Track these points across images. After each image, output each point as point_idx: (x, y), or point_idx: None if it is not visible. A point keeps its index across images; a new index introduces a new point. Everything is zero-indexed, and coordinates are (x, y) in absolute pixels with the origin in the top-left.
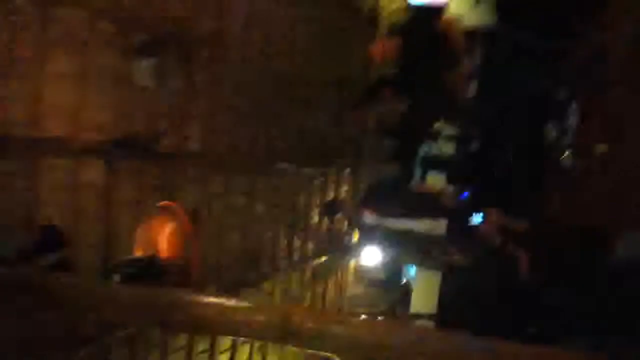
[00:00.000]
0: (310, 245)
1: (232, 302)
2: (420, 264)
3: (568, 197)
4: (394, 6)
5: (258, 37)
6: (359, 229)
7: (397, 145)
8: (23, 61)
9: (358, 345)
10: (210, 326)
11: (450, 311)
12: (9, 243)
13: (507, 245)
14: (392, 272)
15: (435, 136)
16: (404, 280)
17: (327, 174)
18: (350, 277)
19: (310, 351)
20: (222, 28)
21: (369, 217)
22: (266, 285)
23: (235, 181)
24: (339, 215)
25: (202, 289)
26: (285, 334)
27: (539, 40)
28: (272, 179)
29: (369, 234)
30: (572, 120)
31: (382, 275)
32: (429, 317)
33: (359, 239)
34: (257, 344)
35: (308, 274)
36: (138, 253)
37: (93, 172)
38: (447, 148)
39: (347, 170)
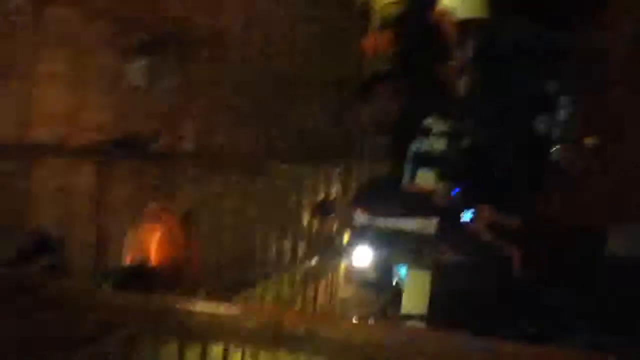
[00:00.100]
0: (301, 247)
1: (222, 309)
2: (411, 264)
3: (565, 194)
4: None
5: (257, 37)
6: (349, 229)
7: (390, 143)
8: (19, 62)
9: (350, 347)
10: (201, 333)
11: (441, 311)
12: (8, 244)
13: (499, 242)
14: (383, 272)
15: (426, 133)
16: (395, 281)
17: (317, 174)
18: (341, 279)
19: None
20: (221, 28)
21: (360, 217)
22: (257, 289)
23: (231, 181)
24: (330, 216)
25: (193, 293)
26: (276, 338)
27: (534, 33)
28: (268, 179)
29: (360, 234)
30: (562, 113)
31: (373, 276)
32: (420, 317)
33: (350, 239)
34: (249, 349)
35: (299, 276)
36: (128, 259)
37: (86, 174)
38: (438, 145)
39: (338, 169)
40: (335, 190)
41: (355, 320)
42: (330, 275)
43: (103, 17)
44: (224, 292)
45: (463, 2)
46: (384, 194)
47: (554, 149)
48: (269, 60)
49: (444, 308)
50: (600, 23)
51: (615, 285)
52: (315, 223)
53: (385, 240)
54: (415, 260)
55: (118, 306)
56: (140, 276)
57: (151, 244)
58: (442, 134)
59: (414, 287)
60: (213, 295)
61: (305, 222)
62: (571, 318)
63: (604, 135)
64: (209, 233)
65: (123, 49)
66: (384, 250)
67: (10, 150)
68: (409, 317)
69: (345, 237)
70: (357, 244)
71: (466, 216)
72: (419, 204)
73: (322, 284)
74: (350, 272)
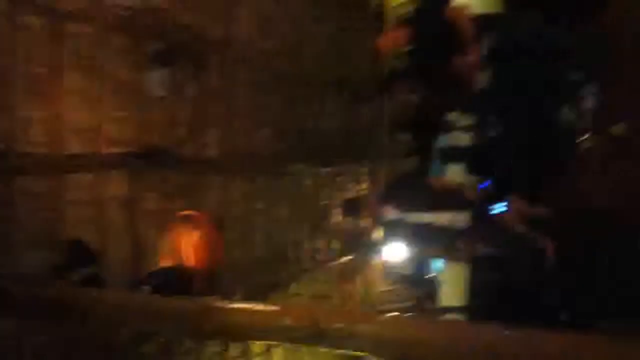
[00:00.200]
0: (335, 245)
1: (260, 307)
2: (445, 257)
3: (592, 181)
4: None
5: (270, 41)
6: (382, 225)
7: (413, 140)
8: (39, 78)
9: (388, 342)
10: (241, 332)
11: (479, 303)
12: (47, 256)
13: (533, 233)
14: (418, 266)
15: (450, 127)
16: (431, 274)
17: (346, 173)
18: (377, 274)
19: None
20: (234, 33)
21: (391, 213)
22: (293, 287)
23: (256, 184)
24: (361, 213)
25: (229, 295)
26: (314, 335)
27: (551, 26)
28: (292, 180)
29: (393, 230)
30: (588, 102)
31: (408, 271)
32: (458, 309)
33: (383, 235)
34: (290, 346)
35: (334, 273)
36: (164, 263)
37: (117, 185)
38: (463, 139)
39: (367, 167)
40: (364, 187)
41: (392, 315)
42: (365, 271)
43: (118, 31)
44: (259, 292)
45: None
46: (414, 190)
47: (581, 138)
48: (284, 63)
49: (482, 300)
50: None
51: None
52: (348, 220)
53: (418, 235)
54: (449, 253)
55: (157, 310)
56: (177, 279)
57: (185, 247)
58: (466, 128)
59: (450, 279)
60: (249, 295)
61: (337, 219)
62: (606, 306)
63: (631, 124)
64: (240, 235)
65: (140, 61)
66: (418, 245)
67: (41, 165)
68: (447, 309)
69: (379, 233)
70: (390, 240)
71: (498, 209)
72: (449, 198)
73: (358, 280)
74: (386, 267)
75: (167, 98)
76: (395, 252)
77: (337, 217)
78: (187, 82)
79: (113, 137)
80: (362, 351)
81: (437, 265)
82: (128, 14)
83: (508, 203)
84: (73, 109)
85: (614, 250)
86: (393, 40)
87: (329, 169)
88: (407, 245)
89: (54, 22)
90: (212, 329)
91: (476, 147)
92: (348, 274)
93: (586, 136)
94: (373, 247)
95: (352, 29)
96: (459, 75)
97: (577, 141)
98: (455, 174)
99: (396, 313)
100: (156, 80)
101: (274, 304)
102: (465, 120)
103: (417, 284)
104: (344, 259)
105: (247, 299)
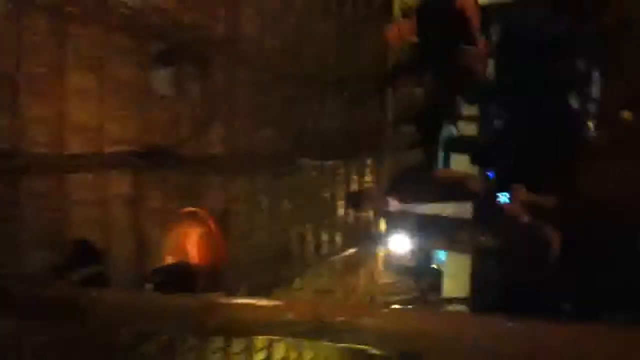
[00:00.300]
0: (338, 238)
1: (263, 302)
2: (449, 249)
3: (597, 169)
4: None
5: (274, 39)
6: (385, 217)
7: (418, 131)
8: (42, 79)
9: (391, 336)
10: (244, 328)
11: (483, 293)
12: (43, 260)
13: (537, 223)
14: (422, 258)
15: (455, 118)
16: (434, 266)
17: (349, 166)
18: (380, 267)
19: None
20: (236, 31)
21: (395, 205)
22: (297, 282)
23: (259, 180)
24: (364, 206)
25: (233, 291)
26: (317, 329)
27: (558, 15)
28: (295, 175)
29: (397, 222)
30: (595, 90)
31: (412, 262)
32: (462, 301)
33: (387, 227)
34: (292, 341)
35: (338, 266)
36: (168, 260)
37: (120, 184)
38: (468, 130)
39: (370, 160)
40: (368, 180)
41: (396, 307)
42: (369, 263)
43: (121, 30)
44: (263, 288)
45: None
46: (417, 182)
47: (589, 124)
48: (286, 61)
49: (485, 291)
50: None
51: None
52: (351, 214)
53: (422, 226)
54: (453, 245)
55: (159, 308)
56: (181, 276)
57: (189, 245)
58: (472, 119)
59: (453, 271)
60: (253, 291)
61: (341, 213)
62: (611, 296)
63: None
64: (243, 232)
65: (143, 60)
66: (422, 236)
67: (45, 165)
68: (450, 300)
69: (383, 225)
70: (394, 232)
71: (502, 199)
72: (453, 190)
73: (362, 273)
74: (389, 259)
75: (169, 97)
76: (399, 245)
77: (340, 210)
78: (189, 82)
79: (116, 137)
80: (365, 345)
81: (441, 257)
82: (130, 14)
83: (512, 193)
84: (76, 109)
85: (617, 243)
86: (401, 32)
87: (331, 162)
88: (411, 237)
89: (57, 22)
90: (215, 326)
91: (481, 138)
92: (351, 267)
93: (591, 125)
94: (377, 239)
95: (357, 21)
96: (467, 65)
97: (583, 130)
98: (460, 165)
99: (399, 306)
100: (159, 79)
101: (276, 299)
102: (470, 111)
103: (420, 276)
104: (348, 252)
105: (250, 295)
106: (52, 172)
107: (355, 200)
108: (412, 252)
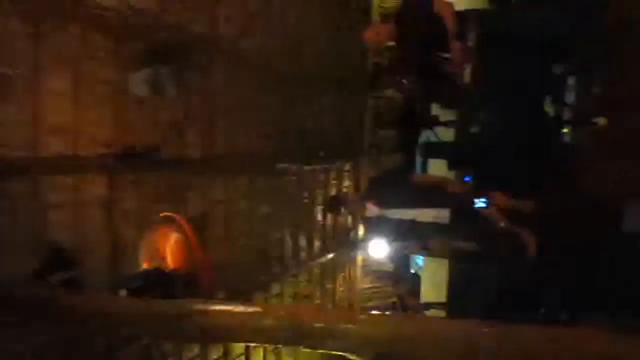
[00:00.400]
0: (317, 243)
1: (241, 308)
2: (427, 254)
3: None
4: None
5: (255, 40)
6: (364, 222)
7: (396, 136)
8: (17, 80)
9: (369, 341)
10: (222, 334)
11: (460, 298)
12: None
13: (515, 228)
14: (400, 263)
15: (433, 123)
16: (413, 271)
17: (328, 170)
18: (359, 272)
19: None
20: (216, 32)
21: (373, 210)
22: (275, 286)
23: (237, 184)
24: (343, 211)
25: (210, 296)
26: (295, 335)
27: (536, 19)
28: (274, 179)
29: (375, 227)
30: (571, 95)
31: (390, 268)
32: (440, 306)
33: (365, 232)
34: (270, 347)
35: (316, 271)
36: (144, 265)
37: (96, 187)
38: (447, 134)
39: (348, 165)
40: (346, 185)
41: (375, 312)
42: (347, 268)
43: (101, 31)
44: (241, 293)
45: None
46: (395, 187)
47: (565, 130)
48: (268, 62)
49: (462, 296)
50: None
51: (633, 262)
52: (330, 218)
53: (400, 231)
54: (431, 250)
55: (136, 313)
56: (157, 281)
57: (166, 249)
58: (450, 123)
59: (431, 276)
60: (232, 296)
61: (319, 218)
62: (589, 299)
63: (616, 115)
64: (223, 235)
65: (122, 61)
66: (400, 241)
67: (20, 166)
68: (428, 305)
69: (361, 230)
70: (372, 237)
71: (479, 203)
72: (431, 195)
73: (340, 278)
74: (368, 264)
75: (149, 98)
76: (378, 250)
77: (319, 215)
78: (170, 83)
79: (92, 139)
80: (344, 350)
81: (419, 262)
82: (107, 14)
83: (490, 198)
84: (51, 111)
85: (596, 240)
86: (378, 35)
87: (311, 166)
88: (389, 242)
89: (31, 22)
90: (192, 332)
91: (459, 143)
92: (330, 272)
93: (570, 128)
94: (355, 244)
95: (336, 24)
96: (445, 70)
97: (562, 134)
98: (437, 169)
99: (378, 311)
100: (141, 80)
101: (254, 305)
102: (448, 115)
103: (399, 281)
104: (326, 257)
105: (229, 299)
106: (26, 174)
107: (334, 205)
108: (391, 257)
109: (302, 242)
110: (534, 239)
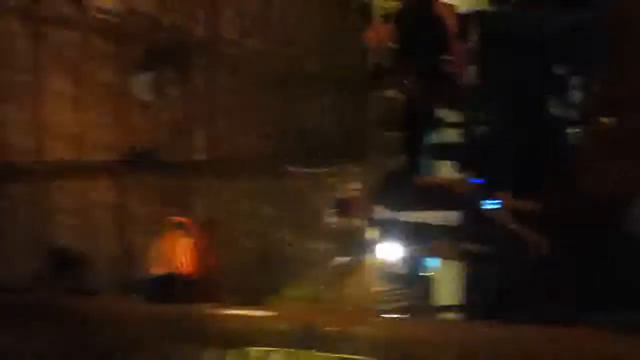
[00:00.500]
0: (327, 245)
1: (256, 312)
2: (439, 256)
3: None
4: None
5: (254, 41)
6: (374, 225)
7: (401, 137)
8: (21, 85)
9: (383, 344)
10: (236, 338)
11: (474, 300)
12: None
13: (522, 228)
14: (412, 266)
15: (439, 124)
16: (425, 273)
17: (336, 173)
18: (371, 275)
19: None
20: (218, 35)
21: (382, 213)
22: (286, 290)
23: (246, 187)
24: (352, 213)
25: (223, 300)
26: (309, 339)
27: (537, 19)
28: (282, 182)
29: (385, 229)
30: (575, 94)
31: (402, 270)
32: (453, 308)
33: (376, 235)
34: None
35: (328, 275)
36: (155, 270)
37: (102, 191)
38: (452, 135)
39: (356, 167)
40: (354, 187)
41: (387, 315)
42: (359, 271)
43: (102, 35)
44: (253, 296)
45: None
46: (402, 189)
47: (569, 130)
48: (268, 63)
49: (476, 298)
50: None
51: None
52: (340, 221)
53: (411, 233)
54: (442, 252)
55: (153, 317)
56: (170, 285)
57: (176, 254)
58: (455, 124)
59: (444, 277)
60: (243, 300)
61: (329, 220)
62: (596, 298)
63: (619, 114)
64: (232, 239)
65: (125, 65)
66: (411, 244)
67: (27, 171)
68: (441, 308)
69: (372, 233)
70: (384, 239)
71: (487, 205)
72: (439, 197)
73: (351, 281)
74: (379, 267)
75: (150, 102)
76: (389, 252)
77: (329, 217)
78: (172, 85)
79: (97, 143)
80: (357, 353)
81: (431, 264)
82: (109, 18)
83: (497, 199)
84: (56, 116)
85: (601, 239)
86: (378, 36)
87: (319, 170)
88: (401, 244)
89: (33, 27)
90: (208, 336)
91: (465, 144)
92: (342, 275)
93: (574, 128)
94: (366, 247)
95: (336, 24)
96: (446, 71)
97: (567, 134)
98: (444, 171)
99: (390, 314)
100: (139, 84)
101: (268, 309)
102: (454, 116)
103: (411, 284)
104: (338, 260)
105: (241, 303)
106: (33, 180)
107: (342, 208)
108: (403, 259)
109: (312, 244)
110: (544, 240)
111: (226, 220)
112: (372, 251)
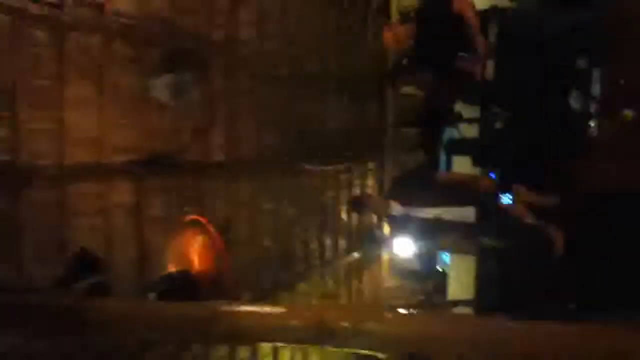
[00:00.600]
0: (342, 242)
1: (267, 309)
2: (453, 251)
3: (598, 166)
4: None
5: (273, 43)
6: (388, 221)
7: (419, 134)
8: (43, 89)
9: (395, 340)
10: (248, 335)
11: (488, 295)
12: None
13: (541, 224)
14: (426, 261)
15: (456, 120)
16: (439, 269)
17: (351, 170)
18: (385, 270)
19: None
20: (236, 37)
21: (397, 209)
22: (301, 286)
23: (261, 185)
24: (367, 210)
25: (236, 298)
26: (322, 335)
27: (556, 13)
28: (298, 180)
29: (400, 225)
30: (595, 88)
31: (416, 266)
32: (467, 303)
33: (390, 231)
34: (297, 346)
35: (342, 271)
36: (171, 269)
37: (121, 193)
38: (470, 131)
39: (372, 163)
40: (370, 184)
41: (401, 311)
42: (373, 267)
43: (121, 39)
44: (267, 293)
45: None
46: (420, 185)
47: (591, 123)
48: (286, 64)
49: (490, 292)
50: None
51: None
52: (355, 218)
53: (425, 230)
54: (457, 247)
55: (164, 316)
56: (185, 285)
57: (192, 253)
58: (473, 120)
59: (458, 273)
60: (257, 297)
61: (344, 217)
62: (616, 295)
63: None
64: (247, 237)
65: (144, 68)
66: (425, 240)
67: (46, 176)
68: (455, 303)
69: (386, 229)
70: (397, 235)
71: (504, 199)
72: (456, 193)
73: (366, 277)
74: (393, 262)
75: (169, 104)
76: (403, 248)
77: (344, 214)
78: (191, 88)
79: (116, 146)
80: (370, 349)
81: (445, 259)
82: (128, 22)
83: (514, 194)
84: (76, 119)
85: (621, 235)
86: (396, 36)
87: (334, 167)
88: (415, 240)
89: (55, 32)
90: (220, 334)
91: (483, 139)
92: (355, 271)
93: (593, 121)
94: (380, 243)
95: (356, 23)
96: (466, 68)
97: (586, 127)
98: (462, 167)
99: (404, 309)
100: (159, 87)
101: (280, 306)
102: (471, 112)
103: (425, 279)
104: (352, 256)
105: (255, 300)
106: (53, 183)
107: (358, 205)
108: (416, 255)
109: (327, 241)
110: (561, 234)
111: (243, 218)
112: (388, 247)
